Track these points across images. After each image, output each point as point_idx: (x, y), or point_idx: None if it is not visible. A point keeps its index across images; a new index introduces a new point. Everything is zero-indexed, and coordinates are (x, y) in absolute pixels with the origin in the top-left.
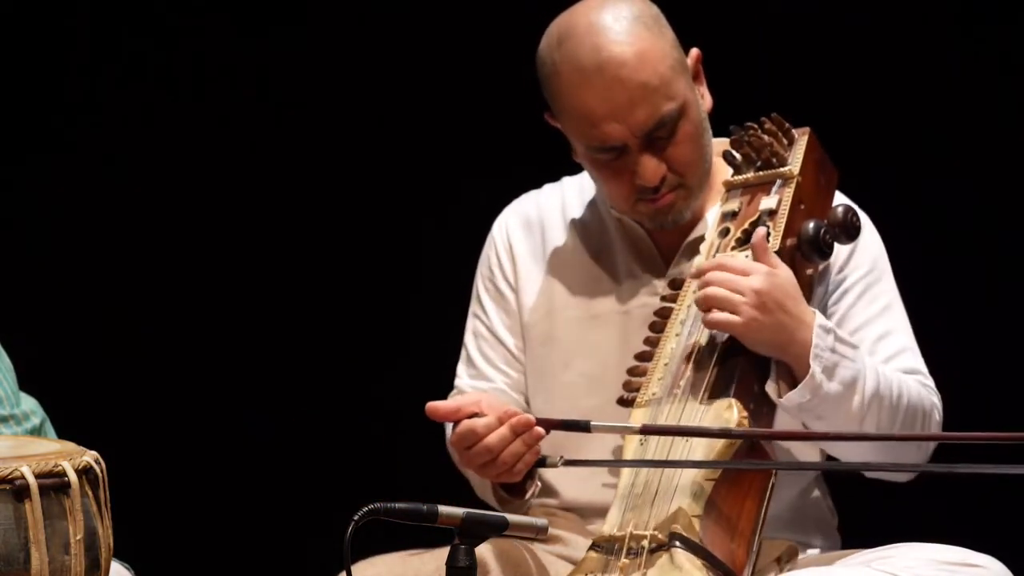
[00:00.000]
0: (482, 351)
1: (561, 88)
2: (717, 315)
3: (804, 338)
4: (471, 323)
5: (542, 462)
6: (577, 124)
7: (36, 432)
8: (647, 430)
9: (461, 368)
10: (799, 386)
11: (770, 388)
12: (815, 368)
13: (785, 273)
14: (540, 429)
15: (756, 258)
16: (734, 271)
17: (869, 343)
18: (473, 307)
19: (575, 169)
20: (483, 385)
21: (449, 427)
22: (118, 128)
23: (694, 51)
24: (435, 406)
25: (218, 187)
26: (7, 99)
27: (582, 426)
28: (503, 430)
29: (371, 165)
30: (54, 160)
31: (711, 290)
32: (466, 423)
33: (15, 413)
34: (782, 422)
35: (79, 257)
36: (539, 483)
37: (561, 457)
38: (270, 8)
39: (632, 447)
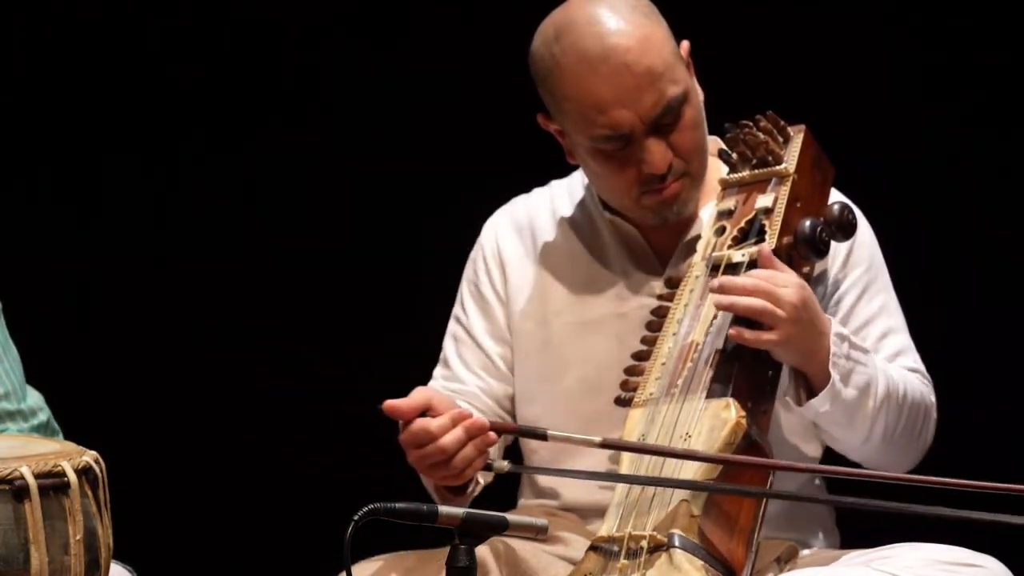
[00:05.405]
0: (460, 354)
1: (565, 79)
2: (755, 330)
3: (825, 347)
4: (451, 326)
5: (488, 466)
6: (583, 114)
7: (43, 428)
8: (606, 444)
9: (437, 370)
10: (820, 395)
11: (790, 395)
12: (835, 377)
13: (807, 284)
14: (493, 434)
15: (768, 268)
16: (775, 283)
17: (872, 341)
18: (455, 310)
19: (565, 173)
20: (456, 387)
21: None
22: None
23: (684, 43)
24: (395, 404)
25: (218, 187)
26: (9, 100)
27: (539, 434)
28: (457, 431)
29: (370, 169)
30: (53, 160)
31: (755, 302)
32: (420, 422)
33: (22, 408)
34: (782, 420)
35: (78, 256)
36: (480, 481)
37: (507, 461)
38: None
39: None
